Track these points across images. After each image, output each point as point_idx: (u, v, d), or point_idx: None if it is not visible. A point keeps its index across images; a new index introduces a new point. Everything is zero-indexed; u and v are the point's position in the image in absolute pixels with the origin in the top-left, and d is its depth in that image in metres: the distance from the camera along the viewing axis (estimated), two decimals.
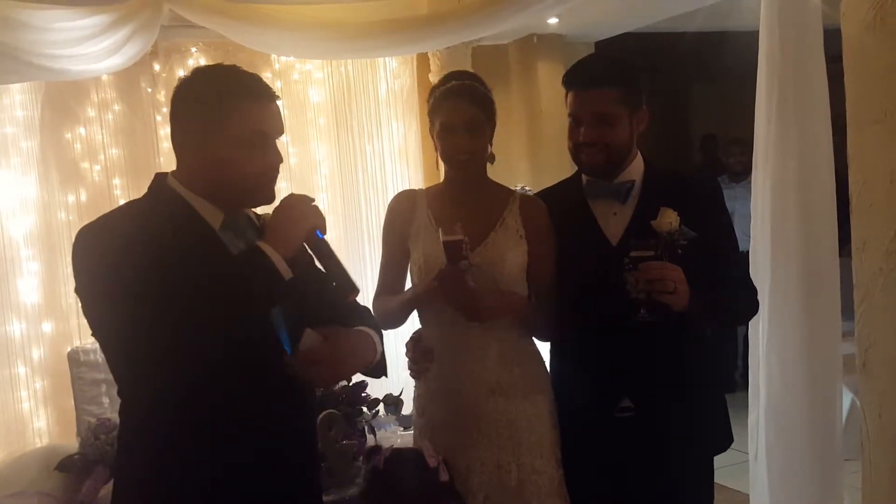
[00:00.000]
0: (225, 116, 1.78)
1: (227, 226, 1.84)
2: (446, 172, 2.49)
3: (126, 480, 1.88)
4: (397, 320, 2.47)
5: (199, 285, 1.65)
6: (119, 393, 1.83)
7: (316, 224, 1.80)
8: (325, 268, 1.83)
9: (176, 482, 1.76)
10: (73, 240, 1.75)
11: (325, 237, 1.82)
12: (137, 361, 1.68)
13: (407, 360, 2.42)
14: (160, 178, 1.87)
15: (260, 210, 1.94)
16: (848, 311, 2.81)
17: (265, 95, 1.83)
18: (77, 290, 1.75)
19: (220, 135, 1.78)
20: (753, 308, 2.50)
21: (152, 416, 1.77)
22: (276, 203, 1.83)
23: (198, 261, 1.72)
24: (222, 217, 1.84)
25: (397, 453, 2.22)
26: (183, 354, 1.64)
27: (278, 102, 1.87)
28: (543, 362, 2.48)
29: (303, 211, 1.80)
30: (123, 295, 1.64)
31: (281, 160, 1.86)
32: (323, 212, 1.84)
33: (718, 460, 2.45)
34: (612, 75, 2.34)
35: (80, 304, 1.78)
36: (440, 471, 2.15)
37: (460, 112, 2.33)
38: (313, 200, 1.84)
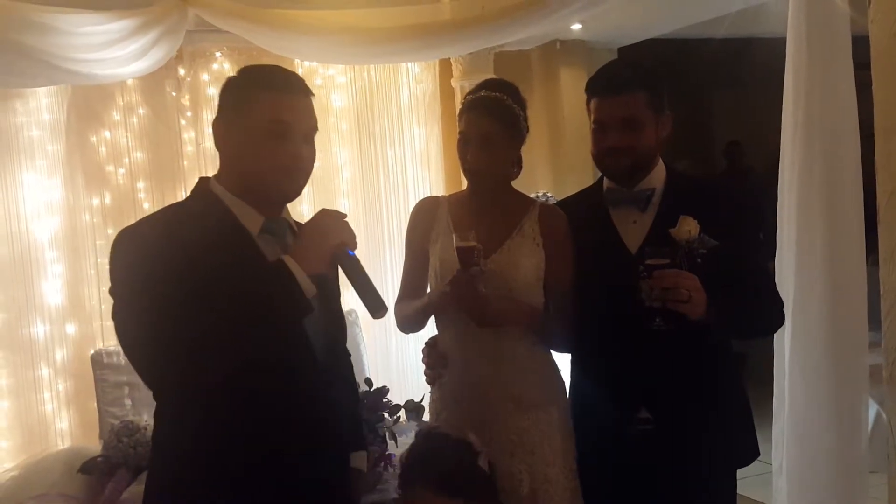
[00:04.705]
0: (244, 107, 1.82)
1: (266, 230, 1.85)
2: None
3: (158, 481, 1.89)
4: (416, 325, 2.49)
5: (229, 292, 1.67)
6: (154, 396, 1.84)
7: (345, 241, 1.80)
8: (353, 285, 1.83)
9: (204, 483, 1.77)
10: (112, 241, 1.78)
11: (356, 254, 1.82)
12: (164, 366, 1.69)
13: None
14: (203, 182, 1.90)
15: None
16: (874, 321, 2.78)
17: (287, 88, 1.84)
18: (111, 292, 1.76)
19: (241, 126, 1.82)
20: (778, 320, 2.46)
21: (180, 417, 1.80)
22: (306, 206, 1.84)
23: (231, 267, 1.72)
24: (262, 221, 1.85)
25: None
26: (209, 359, 1.66)
27: (307, 97, 1.86)
28: (559, 372, 2.47)
29: (331, 227, 1.82)
30: (154, 298, 1.66)
31: (304, 155, 1.85)
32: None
33: (741, 471, 2.42)
34: (637, 80, 2.32)
35: (104, 307, 1.80)
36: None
37: (477, 125, 2.31)
38: (345, 216, 1.85)
